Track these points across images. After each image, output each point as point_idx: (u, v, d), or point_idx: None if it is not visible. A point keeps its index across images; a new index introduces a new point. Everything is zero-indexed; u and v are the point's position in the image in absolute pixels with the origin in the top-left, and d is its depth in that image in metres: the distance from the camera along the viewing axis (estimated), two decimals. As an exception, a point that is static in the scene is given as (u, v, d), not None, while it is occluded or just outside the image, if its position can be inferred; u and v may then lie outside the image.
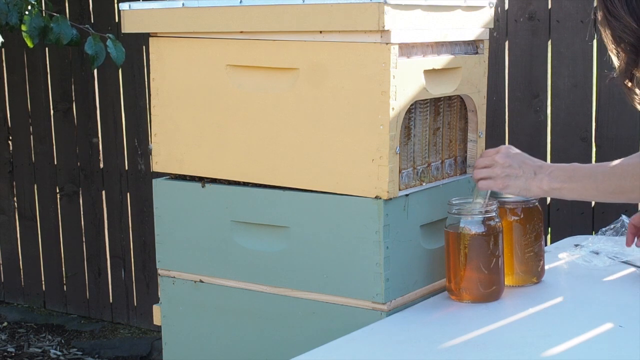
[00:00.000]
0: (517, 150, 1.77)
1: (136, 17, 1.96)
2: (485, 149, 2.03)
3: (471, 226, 1.78)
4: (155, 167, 2.02)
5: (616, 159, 1.73)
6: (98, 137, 4.21)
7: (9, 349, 4.18)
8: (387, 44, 1.69)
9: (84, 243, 4.35)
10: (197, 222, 1.95)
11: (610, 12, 1.57)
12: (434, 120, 1.90)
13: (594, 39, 2.96)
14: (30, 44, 3.05)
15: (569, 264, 2.06)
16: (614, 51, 1.61)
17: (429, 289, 1.86)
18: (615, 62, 1.63)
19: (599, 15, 1.61)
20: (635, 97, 1.63)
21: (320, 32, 1.75)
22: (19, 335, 4.34)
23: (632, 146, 2.91)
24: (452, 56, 1.87)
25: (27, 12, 3.01)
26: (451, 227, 1.80)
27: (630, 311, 1.72)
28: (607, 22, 1.59)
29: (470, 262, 1.77)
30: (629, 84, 1.62)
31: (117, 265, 4.26)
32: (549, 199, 3.05)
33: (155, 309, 2.07)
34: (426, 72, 1.79)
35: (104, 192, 4.26)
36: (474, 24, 1.92)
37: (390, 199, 1.73)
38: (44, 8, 3.22)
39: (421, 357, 1.55)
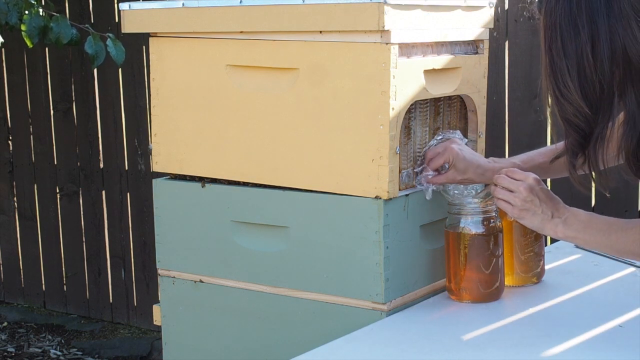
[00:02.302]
0: (543, 186, 1.73)
1: (136, 17, 1.96)
2: (485, 149, 2.03)
3: (471, 226, 1.78)
4: (155, 167, 2.02)
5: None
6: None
7: (9, 349, 4.18)
8: (387, 44, 1.69)
9: (84, 243, 4.35)
10: (197, 222, 1.95)
11: (563, 94, 1.52)
12: (434, 120, 1.90)
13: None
14: (29, 44, 3.05)
15: (569, 264, 2.06)
16: (562, 130, 1.57)
17: (429, 289, 1.86)
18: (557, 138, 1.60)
19: (548, 95, 1.55)
20: (576, 178, 1.59)
21: (320, 32, 1.75)
22: (19, 335, 4.34)
23: (632, 146, 2.91)
24: (452, 56, 1.87)
25: (26, 12, 3.01)
26: (451, 227, 1.80)
27: (630, 311, 1.72)
28: (557, 104, 1.54)
29: (470, 262, 1.77)
30: (573, 165, 1.58)
31: (117, 265, 4.26)
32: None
33: (155, 309, 2.07)
34: (426, 72, 1.79)
35: (104, 192, 4.26)
36: (474, 24, 1.92)
37: (390, 199, 1.73)
38: (43, 8, 3.22)
39: (421, 357, 1.55)
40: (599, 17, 1.49)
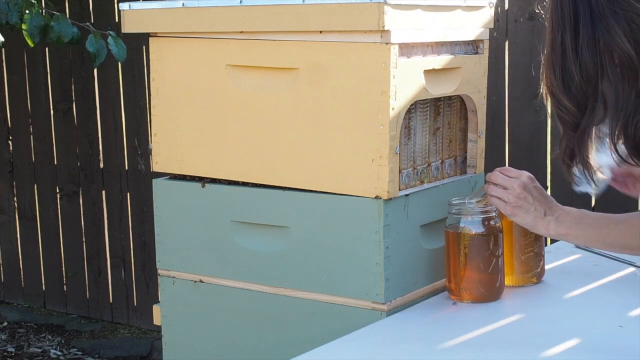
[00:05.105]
0: (537, 184, 1.75)
1: (136, 17, 1.96)
2: (485, 149, 2.03)
3: (471, 226, 1.78)
4: (155, 167, 2.02)
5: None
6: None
7: (9, 349, 4.18)
8: (387, 44, 1.69)
9: (84, 243, 4.36)
10: (197, 222, 1.95)
11: (552, 92, 1.51)
12: (434, 120, 1.90)
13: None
14: (31, 43, 3.05)
15: (569, 264, 2.06)
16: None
17: (429, 289, 1.86)
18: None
19: (543, 91, 1.55)
20: (574, 177, 1.58)
21: (320, 32, 1.75)
22: (19, 335, 4.34)
23: (632, 146, 2.90)
24: (452, 56, 1.87)
25: (27, 12, 3.02)
26: (451, 227, 1.80)
27: (630, 311, 1.72)
28: (548, 98, 1.53)
29: (470, 262, 1.77)
30: (569, 163, 1.56)
31: (117, 265, 4.26)
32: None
33: (155, 309, 2.07)
34: (426, 72, 1.79)
35: (104, 192, 4.26)
36: (474, 24, 1.92)
37: (390, 199, 1.73)
38: (44, 7, 3.22)
39: (421, 357, 1.55)
40: (582, 12, 1.49)
